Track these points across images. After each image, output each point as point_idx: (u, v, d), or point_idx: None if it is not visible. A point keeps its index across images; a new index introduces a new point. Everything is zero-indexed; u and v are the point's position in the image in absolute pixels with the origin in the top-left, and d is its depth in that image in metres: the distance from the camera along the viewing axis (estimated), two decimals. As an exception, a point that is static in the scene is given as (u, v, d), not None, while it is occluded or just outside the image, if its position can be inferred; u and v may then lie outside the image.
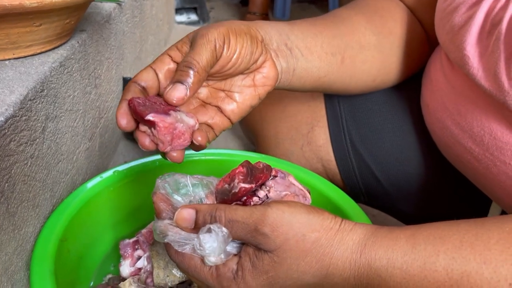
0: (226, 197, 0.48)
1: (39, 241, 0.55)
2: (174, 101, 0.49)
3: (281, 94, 0.82)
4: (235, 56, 0.53)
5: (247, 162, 0.49)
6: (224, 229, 0.45)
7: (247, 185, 0.47)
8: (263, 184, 0.50)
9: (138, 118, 0.48)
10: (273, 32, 0.59)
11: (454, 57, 0.59)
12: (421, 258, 0.42)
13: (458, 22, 0.58)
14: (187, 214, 0.47)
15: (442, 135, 0.66)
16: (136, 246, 0.65)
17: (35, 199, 0.58)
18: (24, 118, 0.53)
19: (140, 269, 0.64)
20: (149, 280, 0.62)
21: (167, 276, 0.60)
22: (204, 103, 0.56)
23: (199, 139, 0.50)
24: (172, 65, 0.52)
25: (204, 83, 0.55)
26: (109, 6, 0.86)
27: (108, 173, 0.68)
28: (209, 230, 0.45)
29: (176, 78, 0.50)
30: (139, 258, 0.64)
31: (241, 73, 0.56)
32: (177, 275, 0.60)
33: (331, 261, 0.44)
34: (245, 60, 0.54)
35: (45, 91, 0.58)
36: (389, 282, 0.43)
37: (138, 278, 0.62)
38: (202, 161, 0.72)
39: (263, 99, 0.57)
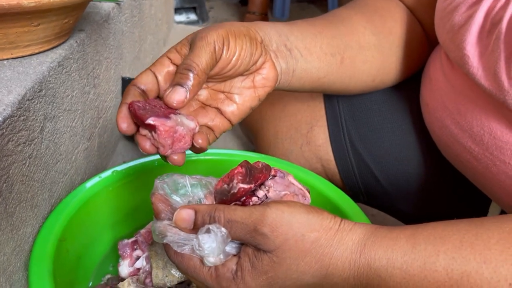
0: (225, 198, 0.48)
1: (37, 241, 0.55)
2: (174, 104, 0.49)
3: (280, 93, 0.82)
4: (234, 58, 0.53)
5: (246, 162, 0.49)
6: (223, 229, 0.45)
7: (246, 186, 0.47)
8: (262, 184, 0.50)
9: (139, 122, 0.48)
10: (272, 33, 0.59)
11: (454, 56, 0.59)
12: (421, 258, 0.42)
13: (458, 22, 0.58)
14: (186, 215, 0.47)
15: (441, 134, 0.66)
16: (135, 246, 0.65)
17: (34, 199, 0.58)
18: (22, 118, 0.53)
19: (139, 269, 0.64)
20: (148, 280, 0.62)
21: (166, 276, 0.60)
22: (204, 105, 0.56)
23: (199, 141, 0.50)
24: (171, 68, 0.52)
25: (204, 85, 0.55)
26: (107, 6, 0.86)
27: (107, 173, 0.67)
28: (208, 231, 0.45)
29: (176, 81, 0.50)
30: (138, 258, 0.64)
31: (241, 74, 0.55)
32: (176, 275, 0.60)
33: (330, 261, 0.44)
34: (244, 61, 0.54)
35: (44, 91, 0.58)
36: (389, 282, 0.43)
37: (137, 278, 0.62)
38: (201, 161, 0.72)
39: (263, 100, 0.57)
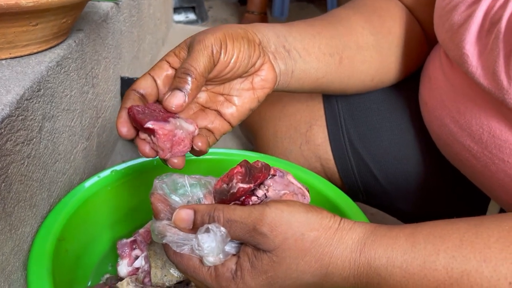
0: (225, 197, 0.48)
1: (36, 241, 0.55)
2: (173, 108, 0.49)
3: (279, 94, 0.82)
4: (232, 61, 0.53)
5: (246, 161, 0.49)
6: (222, 229, 0.45)
7: (245, 185, 0.47)
8: (261, 183, 0.50)
9: (138, 126, 0.48)
10: (270, 34, 0.59)
11: (453, 55, 0.59)
12: (421, 256, 0.42)
13: (457, 21, 0.58)
14: (185, 215, 0.47)
15: (440, 133, 0.66)
16: (134, 246, 0.65)
17: (32, 199, 0.58)
18: (20, 117, 0.52)
19: (137, 268, 0.64)
20: (146, 280, 0.61)
21: (165, 275, 0.60)
22: (204, 108, 0.56)
23: (199, 144, 0.50)
24: (170, 71, 0.53)
25: (203, 88, 0.55)
26: (106, 5, 0.86)
27: (106, 173, 0.67)
28: (208, 230, 0.45)
29: (174, 85, 0.50)
30: (136, 257, 0.64)
31: (240, 76, 0.56)
32: (174, 274, 0.60)
33: (330, 260, 0.44)
34: (243, 64, 0.54)
35: (42, 90, 0.58)
36: (389, 281, 0.43)
37: (135, 278, 0.62)
38: (200, 161, 0.72)
39: (262, 101, 0.57)
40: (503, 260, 0.40)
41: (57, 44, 0.65)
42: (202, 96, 0.56)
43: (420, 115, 0.72)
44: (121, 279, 0.63)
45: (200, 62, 0.50)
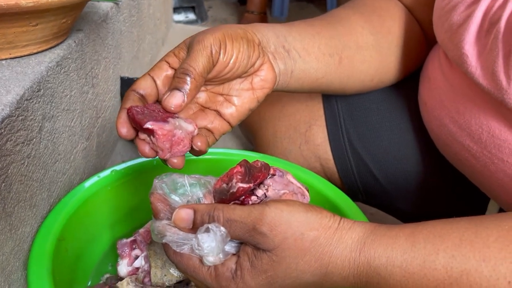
0: (224, 197, 0.48)
1: (36, 240, 0.55)
2: (172, 108, 0.49)
3: (279, 94, 0.81)
4: (231, 61, 0.53)
5: (245, 161, 0.49)
6: (222, 228, 0.45)
7: (245, 185, 0.47)
8: (261, 183, 0.50)
9: (137, 127, 0.48)
10: (270, 34, 0.59)
11: (453, 55, 0.59)
12: (421, 256, 0.42)
13: (456, 21, 0.58)
14: (185, 214, 0.47)
15: (440, 133, 0.66)
16: (134, 246, 0.65)
17: (32, 199, 0.58)
18: (20, 118, 0.53)
19: (137, 268, 0.64)
20: (146, 280, 0.62)
21: (165, 275, 0.60)
22: (203, 108, 0.56)
23: (198, 144, 0.50)
24: (169, 72, 0.53)
25: (203, 88, 0.56)
26: (106, 6, 0.86)
27: (106, 173, 0.67)
28: (207, 230, 0.45)
29: (174, 85, 0.50)
30: (136, 257, 0.64)
31: (239, 76, 0.56)
32: (174, 274, 0.60)
33: (330, 260, 0.44)
34: (242, 64, 0.54)
35: (42, 90, 0.58)
36: (389, 281, 0.43)
37: (135, 278, 0.62)
38: (200, 161, 0.72)
39: (261, 101, 0.57)
40: (502, 260, 0.40)
41: (57, 44, 0.65)
42: (202, 96, 0.56)
43: (419, 115, 0.72)
44: (121, 279, 0.63)
45: (199, 62, 0.50)
